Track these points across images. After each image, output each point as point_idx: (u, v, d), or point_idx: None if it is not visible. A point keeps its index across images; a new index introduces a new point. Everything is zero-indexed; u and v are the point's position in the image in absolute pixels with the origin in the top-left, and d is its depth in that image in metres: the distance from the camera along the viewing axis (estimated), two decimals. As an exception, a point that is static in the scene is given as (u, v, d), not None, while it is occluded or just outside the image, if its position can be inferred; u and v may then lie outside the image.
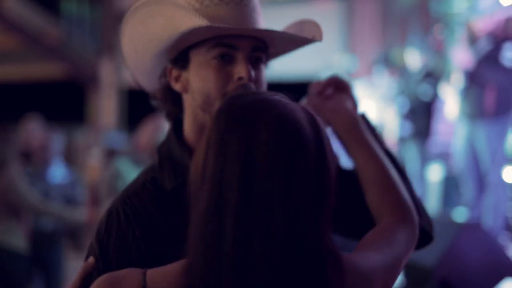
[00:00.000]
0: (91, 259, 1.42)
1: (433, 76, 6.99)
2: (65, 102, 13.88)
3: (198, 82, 1.53)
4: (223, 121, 1.22)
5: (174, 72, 1.59)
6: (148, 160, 4.87)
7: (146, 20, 1.52)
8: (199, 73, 1.53)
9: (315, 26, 1.60)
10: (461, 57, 5.96)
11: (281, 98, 1.26)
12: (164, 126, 3.94)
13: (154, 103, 1.73)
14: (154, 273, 1.25)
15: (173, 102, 1.64)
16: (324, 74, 9.50)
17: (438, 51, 7.40)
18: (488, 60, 5.79)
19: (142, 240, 1.44)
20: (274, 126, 1.19)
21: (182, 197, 1.45)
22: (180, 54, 1.56)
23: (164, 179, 1.53)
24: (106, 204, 4.24)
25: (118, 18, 13.01)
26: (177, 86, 1.59)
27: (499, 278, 3.92)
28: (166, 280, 1.24)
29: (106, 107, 12.93)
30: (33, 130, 5.98)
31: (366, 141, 1.59)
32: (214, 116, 1.25)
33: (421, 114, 7.03)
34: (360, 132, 1.61)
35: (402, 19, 10.49)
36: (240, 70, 1.50)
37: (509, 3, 6.15)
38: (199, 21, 1.43)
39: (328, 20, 12.01)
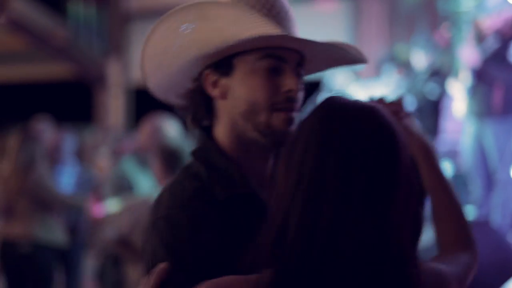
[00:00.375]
0: (163, 265, 1.39)
1: (439, 74, 6.98)
2: (73, 102, 13.90)
3: (244, 91, 1.52)
4: (327, 122, 1.25)
5: (212, 77, 1.57)
6: (149, 160, 4.89)
7: (193, 22, 1.51)
8: (246, 82, 1.52)
9: (355, 49, 1.62)
10: (468, 55, 5.95)
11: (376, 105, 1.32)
12: (163, 126, 3.94)
13: (177, 108, 1.73)
14: (259, 279, 1.25)
15: (205, 107, 1.61)
16: (331, 74, 9.50)
17: (445, 49, 7.39)
18: (496, 58, 5.77)
19: (209, 246, 1.43)
20: (376, 129, 1.24)
21: (233, 207, 1.50)
22: (223, 60, 1.54)
23: (215, 189, 1.51)
24: (110, 203, 4.26)
25: (125, 18, 13.03)
26: (214, 92, 1.58)
27: (508, 275, 3.91)
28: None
29: (114, 107, 12.96)
30: (43, 131, 6.03)
31: (440, 169, 1.62)
32: (316, 117, 1.28)
33: (428, 113, 7.02)
34: (434, 159, 1.63)
35: (409, 18, 10.48)
36: (290, 83, 1.51)
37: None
38: (271, 29, 1.46)
39: (335, 20, 12.00)
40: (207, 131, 1.64)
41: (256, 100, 1.51)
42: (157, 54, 1.60)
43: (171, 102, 1.79)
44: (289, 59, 1.53)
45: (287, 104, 1.53)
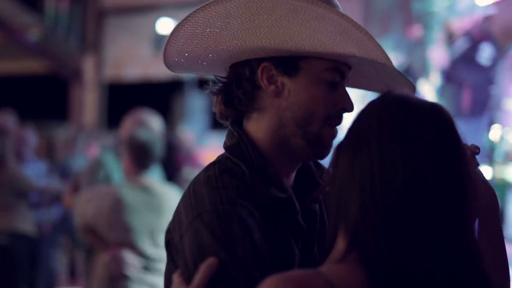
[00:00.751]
0: (212, 260, 1.31)
1: (410, 74, 7.06)
2: (48, 98, 13.83)
3: (306, 98, 1.45)
4: (402, 117, 1.23)
5: (270, 71, 1.47)
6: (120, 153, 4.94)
7: (288, 15, 1.40)
8: (309, 89, 1.45)
9: (409, 85, 1.53)
10: (438, 56, 6.04)
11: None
12: (145, 120, 3.95)
13: (209, 92, 1.59)
14: (330, 273, 1.18)
15: (248, 97, 1.50)
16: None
17: (416, 49, 7.48)
18: (465, 59, 5.87)
19: (259, 246, 1.36)
20: (447, 125, 1.25)
21: (272, 211, 1.44)
22: (288, 58, 1.46)
23: (255, 190, 1.44)
24: (85, 191, 4.29)
25: (100, 15, 12.99)
26: (268, 87, 1.47)
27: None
28: (347, 277, 1.19)
29: (89, 103, 12.92)
30: (9, 124, 6.03)
31: (501, 227, 1.52)
32: (385, 113, 1.24)
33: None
34: (498, 215, 1.51)
35: (384, 17, 10.56)
36: (347, 101, 1.48)
37: (486, 4, 6.23)
38: (380, 55, 1.41)
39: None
40: (237, 124, 1.54)
41: (316, 110, 1.45)
42: (212, 25, 1.48)
43: (185, 72, 1.73)
44: (346, 76, 1.50)
45: (339, 120, 1.49)
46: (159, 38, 9.35)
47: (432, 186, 1.19)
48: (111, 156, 5.16)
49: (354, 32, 1.38)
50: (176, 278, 1.40)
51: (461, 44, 6.02)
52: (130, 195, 3.45)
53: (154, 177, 3.75)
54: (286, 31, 1.41)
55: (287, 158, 1.52)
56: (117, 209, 3.40)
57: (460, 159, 1.23)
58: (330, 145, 1.49)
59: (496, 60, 5.99)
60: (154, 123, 3.86)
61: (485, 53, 5.91)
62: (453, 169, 1.22)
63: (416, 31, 7.74)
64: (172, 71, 1.67)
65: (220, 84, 1.56)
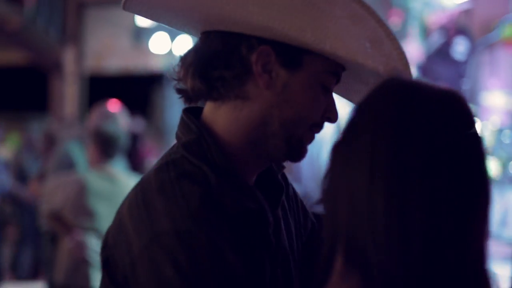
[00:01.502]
0: None
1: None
2: (28, 90, 13.76)
3: (301, 99, 1.25)
4: (407, 110, 0.99)
5: (268, 58, 1.23)
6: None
7: (318, 2, 1.19)
8: (306, 89, 1.25)
9: None
10: (413, 50, 6.09)
11: None
12: (111, 112, 3.96)
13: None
14: None
15: (236, 82, 1.25)
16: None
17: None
18: (440, 53, 5.92)
19: (233, 269, 1.14)
20: (465, 117, 1.01)
21: (242, 223, 1.21)
22: (293, 49, 1.23)
23: (223, 199, 1.19)
24: (51, 179, 4.40)
25: (81, 6, 12.93)
26: (261, 76, 1.23)
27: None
28: None
29: (69, 95, 12.87)
30: None
31: None
32: (387, 104, 1.01)
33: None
34: None
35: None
36: (334, 110, 1.30)
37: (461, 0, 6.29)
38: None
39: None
40: (192, 112, 1.30)
41: (307, 115, 1.26)
42: None
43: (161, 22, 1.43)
44: (340, 81, 1.31)
45: (321, 128, 1.31)
46: (138, 30, 9.31)
47: (434, 202, 0.95)
48: (77, 146, 5.23)
49: (387, 44, 1.21)
50: None
51: (436, 39, 6.07)
52: (95, 181, 3.56)
53: (118, 167, 3.84)
54: (310, 22, 1.20)
55: (256, 158, 1.30)
56: (82, 195, 3.51)
57: (479, 171, 1.00)
58: (306, 150, 1.30)
59: (471, 54, 6.05)
60: (119, 115, 3.91)
61: (460, 48, 5.96)
62: (468, 182, 0.98)
63: (396, 19, 7.79)
64: (126, 10, 1.37)
65: (193, 53, 1.29)
